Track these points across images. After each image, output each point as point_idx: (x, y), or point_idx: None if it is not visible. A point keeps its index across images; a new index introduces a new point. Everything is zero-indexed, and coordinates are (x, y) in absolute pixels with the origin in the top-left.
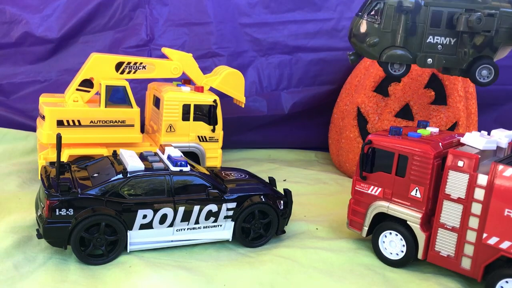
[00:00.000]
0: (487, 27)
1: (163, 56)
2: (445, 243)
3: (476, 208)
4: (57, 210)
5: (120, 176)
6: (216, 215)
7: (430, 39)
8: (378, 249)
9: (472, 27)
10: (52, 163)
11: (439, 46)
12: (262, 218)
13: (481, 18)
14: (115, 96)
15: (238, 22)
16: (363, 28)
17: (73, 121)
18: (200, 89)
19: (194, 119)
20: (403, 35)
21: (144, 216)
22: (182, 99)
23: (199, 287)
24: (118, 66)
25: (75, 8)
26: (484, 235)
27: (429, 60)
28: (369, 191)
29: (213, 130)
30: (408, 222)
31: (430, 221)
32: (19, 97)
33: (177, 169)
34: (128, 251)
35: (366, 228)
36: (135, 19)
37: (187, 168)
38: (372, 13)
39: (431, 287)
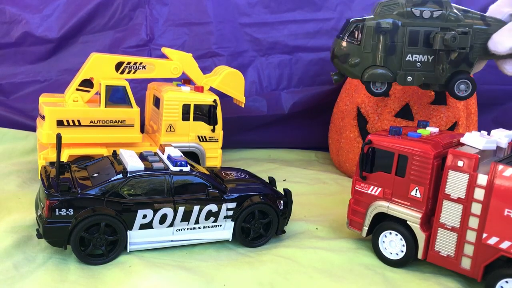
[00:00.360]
0: (462, 44)
1: (163, 56)
2: (445, 243)
3: (476, 208)
4: (57, 210)
5: (120, 176)
6: (216, 215)
7: (409, 57)
8: (378, 249)
9: (448, 45)
10: (52, 163)
11: (417, 63)
12: (262, 218)
13: (456, 36)
14: (115, 96)
15: (238, 22)
16: (344, 49)
17: (73, 121)
18: (200, 89)
19: (194, 119)
20: (382, 55)
21: (144, 216)
22: (182, 99)
23: (199, 287)
24: (118, 66)
25: (75, 8)
26: (484, 235)
27: (409, 78)
28: (369, 191)
29: (213, 130)
30: (408, 222)
31: (430, 221)
32: (19, 97)
33: (177, 169)
34: (128, 251)
35: (366, 228)
36: (135, 19)
37: (187, 168)
38: (352, 35)
39: (431, 287)
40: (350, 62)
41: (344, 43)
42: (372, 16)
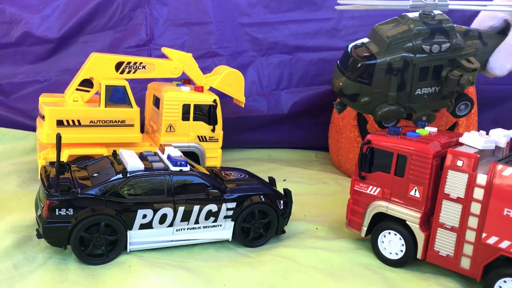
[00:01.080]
0: (473, 80)
1: (163, 56)
2: (444, 243)
3: (475, 208)
4: (56, 210)
5: (120, 176)
6: (216, 215)
7: (418, 91)
8: (377, 249)
9: (462, 86)
10: (52, 163)
11: (425, 95)
12: (262, 218)
13: (470, 80)
14: (115, 96)
15: (238, 21)
16: (354, 89)
17: (73, 121)
18: (200, 89)
19: (194, 119)
20: (394, 93)
21: (144, 216)
22: (182, 99)
23: (199, 287)
24: (118, 66)
25: (75, 8)
26: (484, 234)
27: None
28: (368, 191)
29: (213, 130)
30: (407, 222)
31: (429, 221)
32: (19, 97)
33: (177, 169)
34: (128, 251)
35: (365, 228)
36: (134, 19)
37: (187, 168)
38: (361, 76)
39: (431, 287)
40: (360, 101)
41: (352, 84)
42: (378, 50)
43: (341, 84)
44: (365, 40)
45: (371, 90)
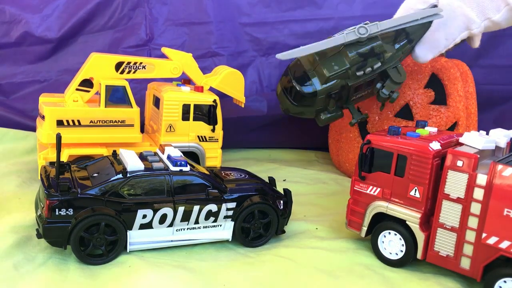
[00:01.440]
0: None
1: (163, 56)
2: (444, 243)
3: (476, 208)
4: (56, 210)
5: (120, 176)
6: (216, 215)
7: (354, 97)
8: (377, 249)
9: (393, 99)
10: (52, 163)
11: (360, 97)
12: (262, 218)
13: (398, 94)
14: (115, 96)
15: (238, 21)
16: (298, 110)
17: (73, 121)
18: (200, 89)
19: (194, 119)
20: (333, 107)
21: (144, 216)
22: (182, 99)
23: (199, 287)
24: (118, 66)
25: (75, 8)
26: (484, 235)
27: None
28: (368, 191)
29: (213, 130)
30: (407, 222)
31: (429, 221)
32: (19, 97)
33: (177, 169)
34: (128, 251)
35: (365, 228)
36: (134, 18)
37: (187, 168)
38: (303, 102)
39: (431, 287)
40: (304, 114)
41: (296, 107)
42: (318, 81)
43: (286, 107)
44: (304, 64)
45: (312, 109)
